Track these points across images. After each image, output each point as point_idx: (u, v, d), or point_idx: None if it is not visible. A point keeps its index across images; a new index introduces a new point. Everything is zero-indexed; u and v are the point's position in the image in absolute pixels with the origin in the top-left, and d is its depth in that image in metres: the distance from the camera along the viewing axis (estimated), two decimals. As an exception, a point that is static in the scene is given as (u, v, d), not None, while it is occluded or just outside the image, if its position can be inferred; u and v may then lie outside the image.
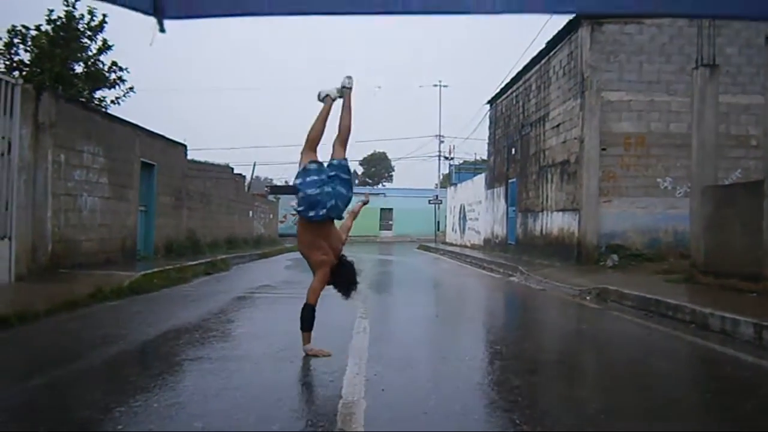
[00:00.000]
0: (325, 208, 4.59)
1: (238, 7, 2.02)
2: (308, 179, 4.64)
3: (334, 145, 4.93)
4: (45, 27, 13.84)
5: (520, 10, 2.20)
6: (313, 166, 4.72)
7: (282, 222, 38.13)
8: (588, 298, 8.70)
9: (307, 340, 4.63)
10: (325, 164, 4.81)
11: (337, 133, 4.98)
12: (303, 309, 4.64)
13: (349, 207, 5.07)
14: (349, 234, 5.23)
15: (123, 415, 3.19)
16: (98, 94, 15.14)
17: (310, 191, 4.59)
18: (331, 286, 4.96)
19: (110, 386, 3.84)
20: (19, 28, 13.73)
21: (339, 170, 4.75)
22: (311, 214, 4.61)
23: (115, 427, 3.01)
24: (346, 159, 4.89)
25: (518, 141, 19.45)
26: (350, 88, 5.04)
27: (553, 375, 4.56)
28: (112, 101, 15.10)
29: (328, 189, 4.60)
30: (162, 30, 1.92)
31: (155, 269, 10.52)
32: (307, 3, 2.00)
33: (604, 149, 13.48)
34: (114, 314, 6.90)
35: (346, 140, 4.99)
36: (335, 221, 4.92)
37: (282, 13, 2.03)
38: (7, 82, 8.49)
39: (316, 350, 4.60)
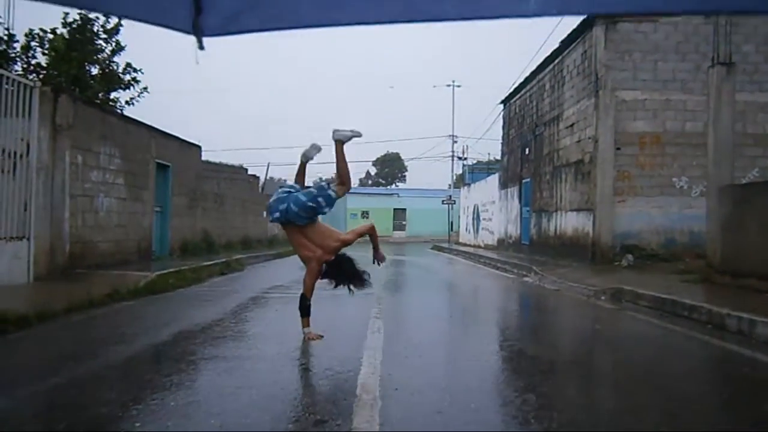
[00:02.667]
0: (278, 211, 5.31)
1: (276, 21, 2.00)
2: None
3: None
4: (61, 30, 14.02)
5: (558, 11, 2.17)
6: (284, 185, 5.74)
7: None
8: (603, 298, 8.66)
9: (305, 324, 5.28)
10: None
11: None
12: (300, 298, 5.34)
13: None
14: (357, 236, 5.56)
15: (140, 413, 3.22)
16: (113, 95, 15.31)
17: (270, 201, 5.50)
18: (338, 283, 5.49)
19: (127, 384, 3.89)
20: (37, 31, 13.92)
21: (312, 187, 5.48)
22: (270, 218, 5.46)
23: (132, 424, 3.04)
24: (325, 181, 5.57)
25: (532, 141, 19.38)
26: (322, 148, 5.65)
27: (568, 375, 4.55)
28: (127, 102, 15.27)
29: (282, 196, 5.36)
30: (201, 47, 1.94)
31: (171, 269, 10.60)
32: (340, 14, 1.97)
33: (618, 149, 13.40)
34: (130, 314, 6.97)
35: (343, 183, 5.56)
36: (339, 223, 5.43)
37: (317, 25, 2.01)
38: (25, 85, 8.62)
39: (312, 334, 5.22)
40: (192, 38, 1.90)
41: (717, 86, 9.32)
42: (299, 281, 11.47)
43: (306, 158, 5.65)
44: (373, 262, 5.73)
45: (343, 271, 5.41)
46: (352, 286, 5.43)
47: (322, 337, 5.22)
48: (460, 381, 4.08)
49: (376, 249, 5.73)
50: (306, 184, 5.68)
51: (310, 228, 5.35)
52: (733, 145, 9.42)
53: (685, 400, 3.79)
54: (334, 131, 5.50)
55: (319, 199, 5.29)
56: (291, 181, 5.92)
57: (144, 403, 3.40)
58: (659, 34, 13.36)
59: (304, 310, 5.29)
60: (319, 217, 5.55)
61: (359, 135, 5.58)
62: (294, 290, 9.74)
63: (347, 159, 5.57)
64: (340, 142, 5.49)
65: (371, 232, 5.64)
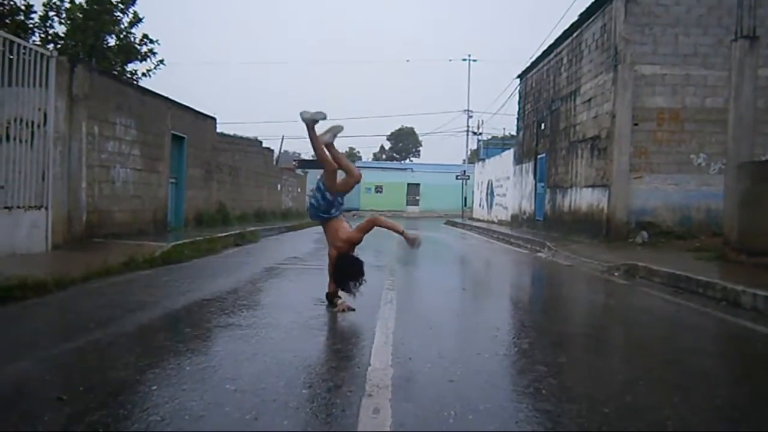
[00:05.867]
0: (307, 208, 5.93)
1: None
2: None
3: None
4: (79, 0, 14.01)
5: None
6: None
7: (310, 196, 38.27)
8: (616, 274, 8.63)
9: (339, 305, 5.33)
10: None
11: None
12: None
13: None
14: (363, 233, 5.44)
15: (157, 377, 3.29)
16: (130, 67, 15.35)
17: None
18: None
19: (144, 350, 3.95)
20: (54, 1, 13.91)
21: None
22: None
23: (149, 387, 3.10)
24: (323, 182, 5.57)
25: (548, 116, 19.19)
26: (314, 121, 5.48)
27: (580, 348, 4.56)
28: (143, 74, 15.31)
29: (310, 193, 5.84)
30: None
31: (186, 240, 10.70)
32: None
33: (636, 124, 13.24)
34: (146, 282, 7.06)
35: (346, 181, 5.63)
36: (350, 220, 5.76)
37: None
38: (42, 55, 8.63)
39: (345, 304, 5.32)
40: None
41: (739, 60, 9.15)
42: (313, 253, 11.63)
43: (305, 121, 5.48)
44: (411, 247, 5.50)
45: (344, 269, 5.33)
46: (339, 283, 5.37)
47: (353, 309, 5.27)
48: (472, 351, 4.11)
49: (401, 233, 5.37)
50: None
51: (327, 225, 5.54)
52: (754, 122, 9.27)
53: (697, 374, 3.79)
54: (300, 113, 5.47)
55: (316, 194, 5.52)
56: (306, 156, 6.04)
57: (160, 367, 3.47)
58: (681, 7, 13.09)
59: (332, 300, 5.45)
60: (340, 215, 5.58)
61: (323, 117, 5.47)
62: (309, 262, 9.83)
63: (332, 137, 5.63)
64: (307, 125, 5.46)
65: (375, 224, 5.45)
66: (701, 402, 3.22)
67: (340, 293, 5.39)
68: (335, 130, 5.60)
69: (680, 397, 3.25)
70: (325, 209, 5.50)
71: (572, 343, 4.67)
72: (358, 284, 5.31)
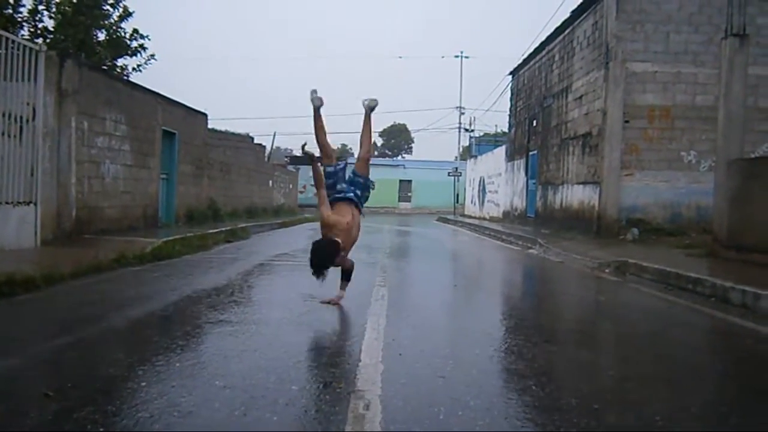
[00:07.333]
0: None
1: None
2: None
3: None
4: (68, -6, 13.88)
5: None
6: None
7: (302, 192, 38.22)
8: (607, 270, 8.66)
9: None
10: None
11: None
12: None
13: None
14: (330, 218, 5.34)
15: (146, 373, 3.26)
16: (120, 62, 15.24)
17: None
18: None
19: (134, 346, 3.93)
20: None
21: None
22: None
23: (138, 383, 3.08)
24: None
25: (540, 113, 19.23)
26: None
27: (570, 344, 4.57)
28: (134, 69, 15.21)
29: None
30: None
31: (176, 236, 10.65)
32: None
33: (627, 122, 13.29)
34: (136, 278, 7.02)
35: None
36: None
37: None
38: (31, 49, 8.54)
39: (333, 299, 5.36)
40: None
41: (729, 58, 9.18)
42: (305, 249, 11.58)
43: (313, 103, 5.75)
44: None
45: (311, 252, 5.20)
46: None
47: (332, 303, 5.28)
48: (463, 348, 4.11)
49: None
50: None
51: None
52: (744, 119, 9.31)
53: (687, 369, 3.81)
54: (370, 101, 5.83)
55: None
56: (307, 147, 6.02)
57: (150, 364, 3.44)
58: (672, 5, 13.13)
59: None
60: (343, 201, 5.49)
61: (376, 103, 5.89)
62: (300, 258, 9.78)
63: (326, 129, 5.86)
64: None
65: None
66: (690, 397, 3.23)
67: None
68: (372, 103, 5.86)
69: (669, 393, 3.26)
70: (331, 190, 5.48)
71: (563, 340, 4.68)
72: (320, 275, 5.14)
